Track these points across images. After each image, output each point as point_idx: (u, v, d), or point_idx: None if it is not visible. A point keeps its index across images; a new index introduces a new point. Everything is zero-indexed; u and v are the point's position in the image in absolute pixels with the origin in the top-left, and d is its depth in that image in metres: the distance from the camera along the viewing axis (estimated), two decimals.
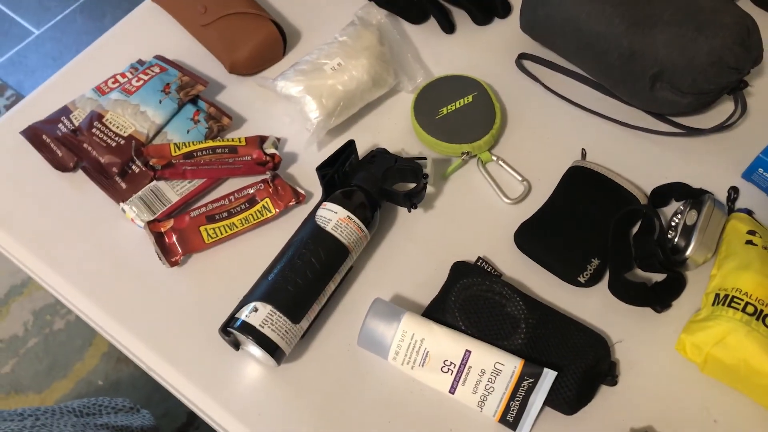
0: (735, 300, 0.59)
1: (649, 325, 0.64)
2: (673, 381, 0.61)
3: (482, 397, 0.58)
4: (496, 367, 0.58)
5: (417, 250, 0.69)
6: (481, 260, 0.66)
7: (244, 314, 0.59)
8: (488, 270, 0.66)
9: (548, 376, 0.57)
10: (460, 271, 0.65)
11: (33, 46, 2.03)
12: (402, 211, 0.71)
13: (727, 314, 0.59)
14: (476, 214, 0.71)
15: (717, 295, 0.61)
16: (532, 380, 0.57)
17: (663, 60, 0.68)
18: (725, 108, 0.76)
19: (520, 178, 0.73)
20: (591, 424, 0.59)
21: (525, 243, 0.67)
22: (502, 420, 0.59)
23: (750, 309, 0.59)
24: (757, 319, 0.58)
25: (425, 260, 0.68)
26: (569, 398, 0.58)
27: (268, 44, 0.80)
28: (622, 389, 0.61)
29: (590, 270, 0.65)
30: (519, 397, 0.58)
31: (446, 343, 0.59)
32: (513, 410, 0.58)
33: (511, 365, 0.58)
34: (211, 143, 0.71)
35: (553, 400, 0.59)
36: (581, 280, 0.65)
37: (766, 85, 0.78)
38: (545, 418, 0.60)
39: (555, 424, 0.59)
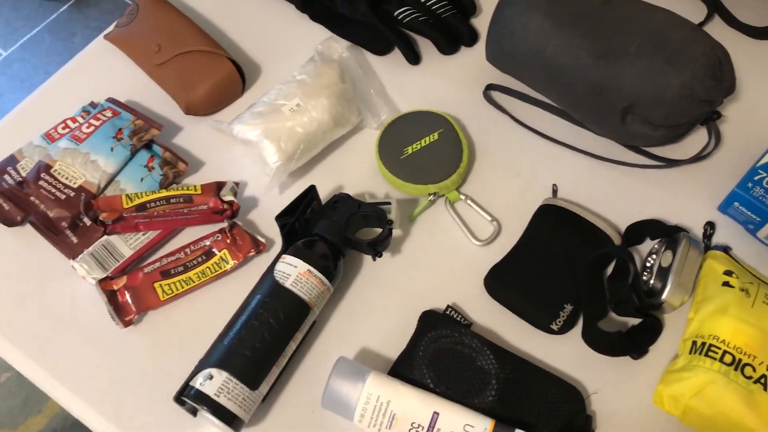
0: (712, 348, 0.57)
1: (626, 372, 0.61)
2: None
3: None
4: (465, 429, 0.55)
5: (384, 299, 0.66)
6: (450, 309, 0.63)
7: (198, 382, 0.56)
8: (458, 319, 0.63)
9: None
10: (428, 321, 0.62)
11: (0, 68, 1.99)
12: (368, 257, 0.68)
13: (704, 364, 0.56)
14: (445, 257, 0.68)
15: (694, 343, 0.58)
16: None
17: (632, 93, 0.66)
18: (701, 138, 0.74)
19: (489, 218, 0.70)
20: None
21: (495, 289, 0.65)
22: None
23: (728, 358, 0.56)
24: (735, 369, 0.56)
25: (393, 309, 0.65)
26: None
27: (225, 83, 0.76)
28: None
29: (563, 317, 0.62)
30: None
31: (413, 405, 0.56)
32: None
33: (482, 427, 0.55)
34: (164, 193, 0.68)
35: None
36: (554, 327, 0.62)
37: (740, 113, 0.75)
38: None
39: None
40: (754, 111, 0.75)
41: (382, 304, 0.66)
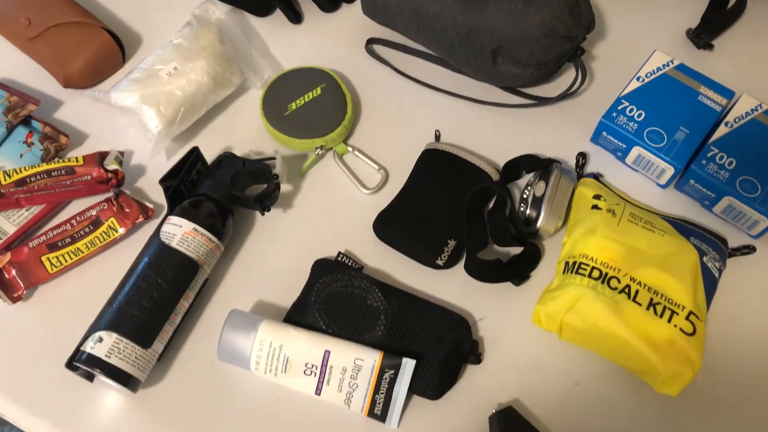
0: (582, 266, 0.61)
1: (511, 299, 0.65)
2: (535, 351, 0.62)
3: (348, 395, 0.58)
4: (356, 363, 0.58)
5: (278, 253, 0.67)
6: (341, 255, 0.65)
7: (89, 346, 0.56)
8: (349, 264, 0.65)
9: (408, 365, 0.57)
10: (320, 269, 0.64)
11: None
12: (260, 215, 0.69)
13: (575, 281, 0.60)
14: (336, 208, 0.70)
15: (567, 263, 0.62)
16: (392, 371, 0.57)
17: (499, 35, 0.68)
18: (570, 75, 0.78)
19: (377, 167, 0.72)
20: (459, 404, 0.60)
21: (383, 232, 0.67)
22: (371, 414, 0.58)
23: (596, 273, 0.60)
24: (603, 282, 0.60)
25: (287, 262, 0.67)
26: (433, 383, 0.59)
27: (103, 54, 0.75)
28: (487, 366, 0.62)
29: (447, 252, 0.65)
30: (383, 389, 0.58)
31: (305, 347, 0.58)
32: (379, 403, 0.58)
33: (371, 359, 0.58)
34: (45, 166, 0.67)
35: (418, 387, 0.59)
36: (439, 262, 0.65)
37: (604, 48, 0.80)
38: (414, 406, 0.60)
39: (424, 409, 0.60)
40: (617, 46, 0.80)
41: (276, 258, 0.67)
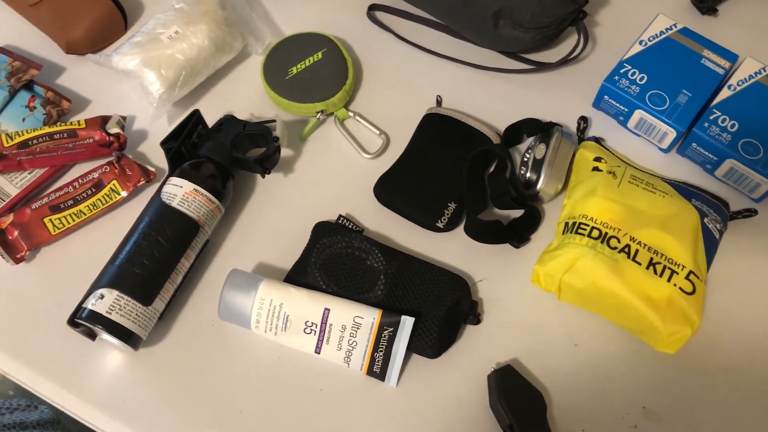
0: (581, 226, 0.61)
1: (510, 261, 0.65)
2: (534, 312, 0.63)
3: (347, 353, 0.58)
4: (355, 321, 0.58)
5: (279, 216, 0.68)
6: (342, 218, 0.66)
7: (90, 303, 0.57)
8: (349, 227, 0.65)
9: (407, 323, 0.58)
10: (321, 231, 0.64)
11: None
12: (261, 178, 0.70)
13: (574, 241, 0.60)
14: (337, 172, 0.70)
15: (566, 224, 0.62)
16: (391, 329, 0.58)
17: None
18: (573, 41, 0.77)
19: (378, 132, 0.72)
20: (458, 364, 0.60)
21: (383, 196, 0.67)
22: (370, 372, 0.59)
23: (595, 233, 0.60)
24: (602, 242, 0.60)
25: (288, 225, 0.67)
26: (432, 342, 0.59)
27: (105, 20, 0.75)
28: (486, 327, 0.62)
29: (447, 214, 0.65)
30: (382, 348, 0.58)
31: (305, 305, 0.59)
32: (378, 361, 0.58)
33: (370, 317, 0.58)
34: (47, 129, 0.67)
35: (416, 346, 0.59)
36: (440, 225, 0.65)
37: (607, 14, 0.79)
38: (413, 364, 0.60)
39: (423, 368, 0.60)
40: (620, 11, 0.79)
41: (277, 221, 0.67)
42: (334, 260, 0.62)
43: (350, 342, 0.58)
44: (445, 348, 0.60)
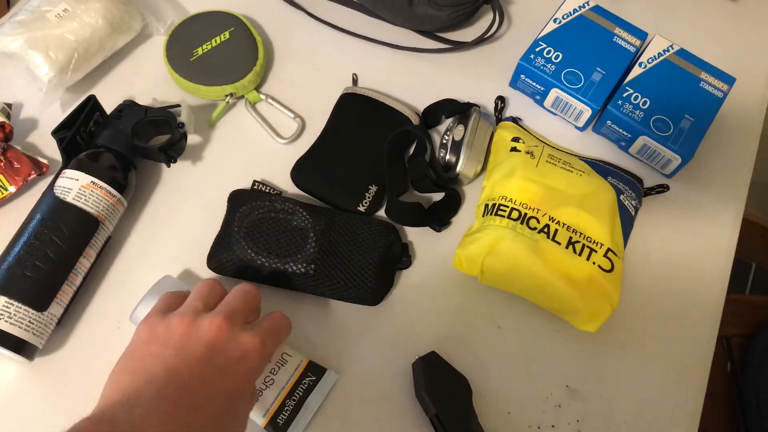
0: (501, 208, 0.60)
1: (432, 244, 0.64)
2: (457, 296, 0.62)
3: (258, 391, 0.53)
4: (282, 357, 0.55)
5: (188, 207, 0.64)
6: (257, 183, 0.62)
7: None
8: (267, 191, 0.62)
9: (329, 377, 0.55)
10: (238, 199, 0.61)
11: None
12: (167, 167, 0.65)
13: (494, 223, 0.60)
14: (250, 159, 0.67)
15: (486, 206, 0.62)
16: (314, 378, 0.55)
17: None
18: (489, 19, 0.76)
19: (292, 115, 0.69)
20: (381, 354, 0.58)
21: (301, 180, 0.64)
22: (272, 423, 0.55)
23: (515, 214, 0.60)
24: (522, 223, 0.59)
25: (198, 215, 0.63)
26: (372, 288, 0.58)
27: None
28: (409, 312, 0.60)
29: (369, 197, 0.63)
30: (296, 396, 0.54)
31: None
32: (286, 412, 0.54)
33: (298, 358, 0.55)
34: None
35: (356, 295, 0.58)
36: (361, 209, 0.63)
37: None
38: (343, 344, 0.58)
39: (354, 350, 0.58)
40: None
41: (186, 213, 0.63)
42: (258, 226, 0.58)
43: (266, 379, 0.54)
44: (384, 294, 0.59)
